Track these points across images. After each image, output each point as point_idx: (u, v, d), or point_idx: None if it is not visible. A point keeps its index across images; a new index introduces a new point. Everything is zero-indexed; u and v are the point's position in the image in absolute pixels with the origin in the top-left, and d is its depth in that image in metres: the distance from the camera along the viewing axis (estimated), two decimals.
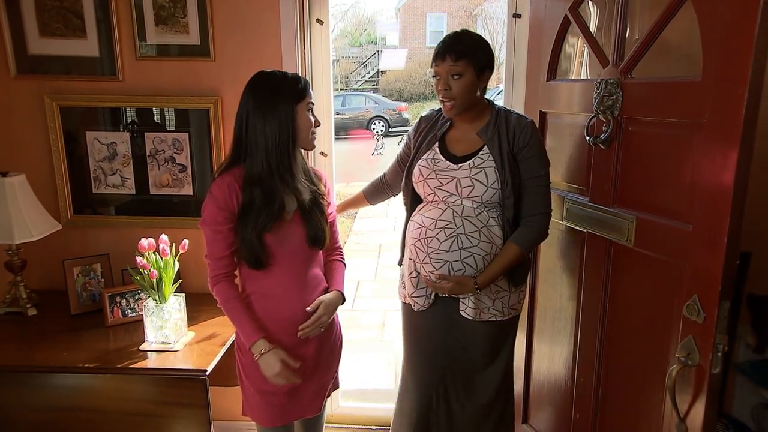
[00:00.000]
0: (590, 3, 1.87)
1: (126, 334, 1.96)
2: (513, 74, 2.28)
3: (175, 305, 1.86)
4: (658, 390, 1.51)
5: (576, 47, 1.95)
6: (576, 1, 1.81)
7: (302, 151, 1.66)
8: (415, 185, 1.82)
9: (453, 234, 1.71)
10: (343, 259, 1.85)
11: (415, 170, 1.80)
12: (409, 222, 1.84)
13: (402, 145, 1.99)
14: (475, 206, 1.72)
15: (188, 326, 1.95)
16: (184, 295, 1.92)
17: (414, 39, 21.63)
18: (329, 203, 1.75)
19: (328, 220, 1.72)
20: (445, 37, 1.72)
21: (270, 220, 1.54)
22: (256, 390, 1.65)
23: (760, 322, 2.00)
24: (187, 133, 2.23)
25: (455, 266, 1.71)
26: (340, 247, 1.86)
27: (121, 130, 2.26)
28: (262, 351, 1.55)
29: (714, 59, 1.29)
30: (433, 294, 1.82)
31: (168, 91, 2.21)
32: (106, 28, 2.17)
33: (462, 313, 1.80)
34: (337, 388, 1.92)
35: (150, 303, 1.83)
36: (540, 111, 2.02)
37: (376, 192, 2.13)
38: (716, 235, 1.27)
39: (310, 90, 1.61)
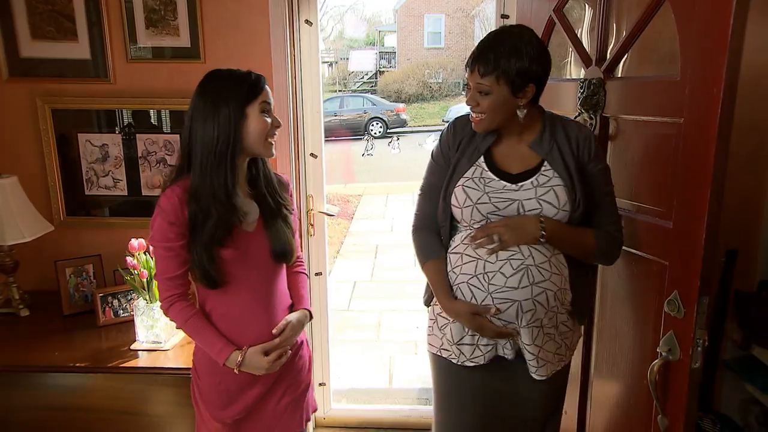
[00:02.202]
0: (578, 3, 1.90)
1: (118, 333, 1.98)
2: None
3: None
4: (642, 384, 1.53)
5: (562, 47, 1.97)
6: (560, 2, 1.83)
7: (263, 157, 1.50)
8: (457, 211, 1.48)
9: (522, 266, 1.39)
10: (305, 270, 1.71)
11: (458, 192, 1.46)
12: (452, 255, 1.48)
13: (428, 173, 1.58)
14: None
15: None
16: None
17: (412, 40, 21.67)
18: (294, 214, 1.61)
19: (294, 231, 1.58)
20: (484, 38, 1.42)
21: (212, 237, 1.38)
22: (213, 416, 1.51)
23: (745, 318, 2.02)
24: (179, 135, 2.25)
25: (525, 306, 1.39)
26: (301, 257, 1.69)
27: (113, 132, 2.28)
28: (239, 360, 1.43)
29: (691, 58, 1.31)
30: (494, 345, 1.48)
31: (159, 93, 2.23)
32: (97, 31, 2.19)
33: (534, 375, 1.48)
34: (315, 410, 1.76)
35: (141, 303, 1.85)
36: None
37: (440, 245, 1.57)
38: (695, 232, 1.29)
39: (266, 87, 1.43)
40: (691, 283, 1.30)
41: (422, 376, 3.34)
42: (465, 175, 1.46)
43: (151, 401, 1.77)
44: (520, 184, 1.43)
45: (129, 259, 1.82)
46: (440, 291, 1.48)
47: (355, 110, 15.56)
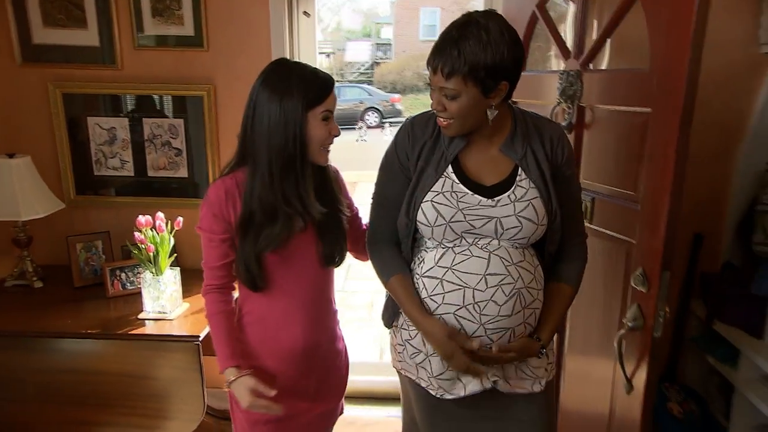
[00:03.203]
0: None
1: (125, 304, 2.05)
2: None
3: (171, 278, 1.95)
4: (610, 354, 1.61)
5: (546, 40, 2.03)
6: None
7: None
8: (426, 229, 1.26)
9: (514, 291, 1.21)
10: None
11: (427, 209, 1.24)
12: (426, 279, 1.27)
13: (382, 181, 1.36)
14: (516, 247, 1.26)
15: (183, 298, 2.03)
16: (179, 268, 2.00)
17: (408, 33, 21.58)
18: (350, 206, 1.49)
19: (354, 215, 1.49)
20: (445, 30, 1.18)
21: (271, 242, 1.30)
22: (245, 419, 1.43)
23: (708, 296, 2.11)
24: (183, 119, 2.30)
25: (518, 331, 1.24)
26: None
27: (121, 115, 2.32)
28: (231, 379, 1.32)
29: (658, 53, 1.37)
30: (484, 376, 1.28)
31: (164, 79, 2.27)
32: (105, 20, 2.22)
33: (531, 388, 1.33)
34: (342, 413, 1.64)
35: (147, 275, 1.92)
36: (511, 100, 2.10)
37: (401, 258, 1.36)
38: (658, 213, 1.36)
39: (332, 93, 1.30)
40: (655, 259, 1.37)
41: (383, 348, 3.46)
42: (433, 189, 1.24)
43: (157, 366, 1.83)
44: (496, 199, 1.24)
45: (137, 234, 1.88)
46: (412, 307, 1.27)
47: (351, 100, 15.53)
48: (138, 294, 2.03)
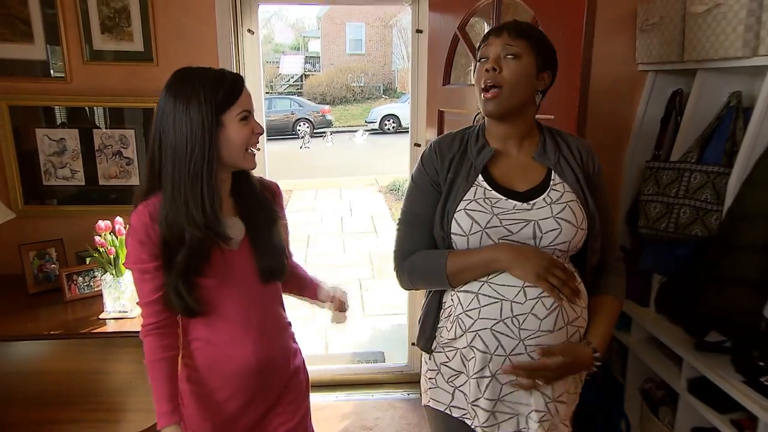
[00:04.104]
0: (479, 20, 2.20)
1: (84, 307, 2.07)
2: (417, 80, 2.59)
3: (130, 279, 2.01)
4: None
5: (466, 57, 2.28)
6: (463, 21, 2.13)
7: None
8: (461, 240, 1.18)
9: (555, 305, 1.13)
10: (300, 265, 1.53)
11: (461, 218, 1.18)
12: (462, 294, 1.19)
13: (410, 202, 1.29)
14: (557, 256, 1.18)
15: None
16: None
17: (335, 46, 21.81)
18: (286, 223, 1.39)
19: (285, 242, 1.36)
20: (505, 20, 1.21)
21: (189, 266, 1.18)
22: None
23: None
24: (133, 130, 2.36)
25: None
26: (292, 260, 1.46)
27: (70, 127, 2.34)
28: None
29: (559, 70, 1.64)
30: (515, 416, 1.20)
31: (114, 92, 2.32)
32: (53, 35, 2.24)
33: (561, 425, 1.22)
34: None
35: (108, 277, 1.97)
36: (438, 110, 2.34)
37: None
38: None
39: (244, 90, 1.21)
40: None
41: (354, 342, 3.61)
42: (465, 198, 1.19)
43: (119, 361, 1.89)
44: (532, 202, 1.18)
45: (97, 238, 1.93)
46: (479, 254, 1.16)
47: (282, 111, 15.54)
48: (95, 297, 2.07)
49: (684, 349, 1.92)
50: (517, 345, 1.13)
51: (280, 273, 1.32)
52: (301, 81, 21.79)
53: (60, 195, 2.40)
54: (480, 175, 1.22)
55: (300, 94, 19.76)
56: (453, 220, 1.19)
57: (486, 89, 1.17)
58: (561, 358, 1.12)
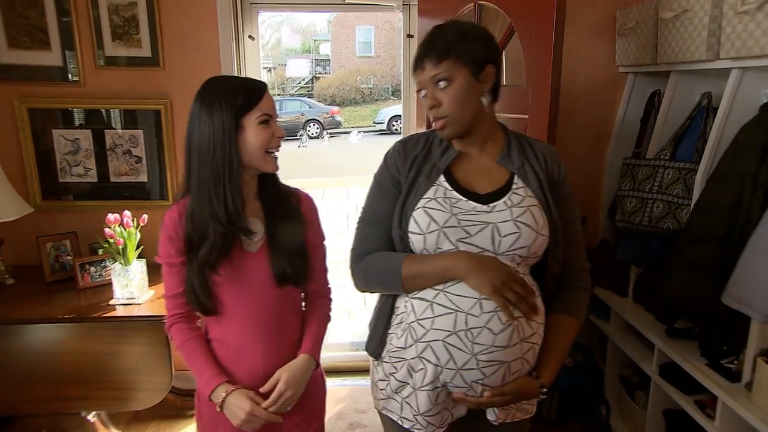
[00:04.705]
0: None
1: (95, 294, 2.20)
2: (409, 83, 2.69)
3: (138, 267, 2.13)
4: None
5: None
6: None
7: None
8: (418, 238, 1.14)
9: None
10: (328, 299, 1.44)
11: (419, 216, 1.14)
12: (415, 301, 1.15)
13: (371, 200, 1.25)
14: (516, 264, 1.13)
15: (150, 285, 2.21)
16: (144, 260, 2.18)
17: (345, 49, 21.94)
18: (316, 234, 1.38)
19: (309, 254, 1.34)
20: (423, 38, 1.17)
21: (205, 263, 1.22)
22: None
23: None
24: (142, 130, 2.49)
25: (513, 368, 1.10)
26: (325, 284, 1.44)
27: (84, 127, 2.48)
28: (224, 395, 1.23)
29: (531, 73, 1.73)
30: (456, 410, 1.19)
31: (124, 95, 2.45)
32: (68, 42, 2.38)
33: (489, 417, 1.19)
34: None
35: (117, 266, 2.10)
36: (427, 116, 2.43)
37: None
38: None
39: (265, 95, 1.24)
40: None
41: (353, 333, 3.73)
42: (425, 196, 1.15)
43: (128, 343, 2.01)
44: (492, 205, 1.15)
45: (107, 230, 2.06)
46: (436, 260, 1.12)
47: (293, 112, 15.70)
48: (106, 285, 2.20)
49: (656, 335, 2.01)
50: (470, 360, 1.07)
51: (294, 278, 1.29)
52: (312, 83, 21.96)
53: (74, 191, 2.54)
54: (442, 175, 1.18)
55: (311, 96, 19.93)
56: (411, 218, 1.15)
57: (435, 121, 1.17)
58: (510, 397, 1.11)
